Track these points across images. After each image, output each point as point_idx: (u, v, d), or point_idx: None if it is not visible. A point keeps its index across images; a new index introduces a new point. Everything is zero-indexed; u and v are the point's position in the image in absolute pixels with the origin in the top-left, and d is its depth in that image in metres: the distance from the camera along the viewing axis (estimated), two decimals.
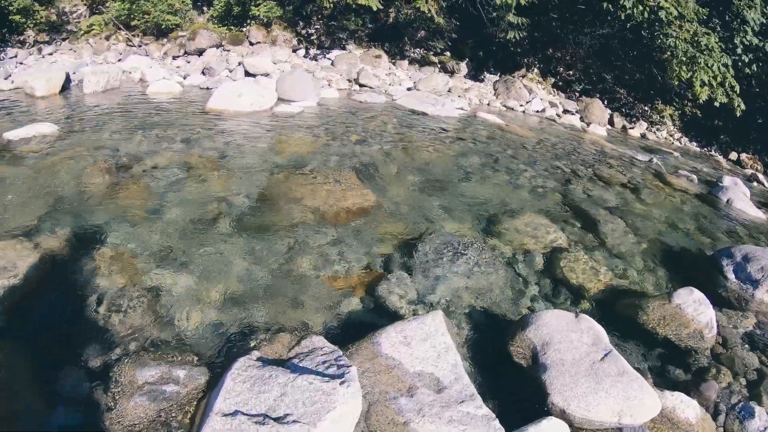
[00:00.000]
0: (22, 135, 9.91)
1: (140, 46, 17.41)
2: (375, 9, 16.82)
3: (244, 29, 18.11)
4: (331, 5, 16.99)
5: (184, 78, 15.48)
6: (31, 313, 5.67)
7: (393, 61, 18.52)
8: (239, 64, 16.47)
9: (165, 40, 17.67)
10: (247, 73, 16.09)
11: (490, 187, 10.20)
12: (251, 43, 18.26)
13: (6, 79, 14.10)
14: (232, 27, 18.10)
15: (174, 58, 17.20)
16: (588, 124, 16.60)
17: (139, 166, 9.12)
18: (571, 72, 18.77)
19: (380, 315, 6.11)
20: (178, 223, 7.51)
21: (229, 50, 17.61)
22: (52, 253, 6.53)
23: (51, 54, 15.96)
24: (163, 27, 17.54)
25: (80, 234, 7.11)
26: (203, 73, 16.17)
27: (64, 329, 5.56)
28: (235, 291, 6.29)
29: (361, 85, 16.72)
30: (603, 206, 10.03)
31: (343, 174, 9.60)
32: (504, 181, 10.68)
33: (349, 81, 16.83)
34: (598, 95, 18.56)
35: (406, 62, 18.40)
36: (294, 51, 18.44)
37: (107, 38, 17.49)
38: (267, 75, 15.84)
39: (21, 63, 15.07)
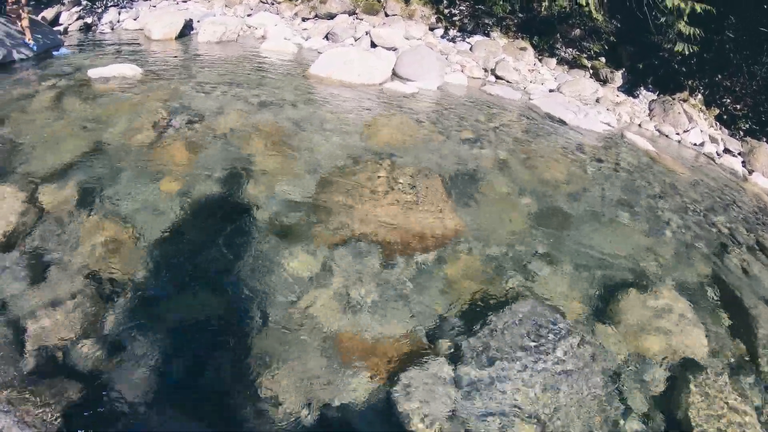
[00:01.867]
0: (104, 74, 10.00)
1: (272, 3, 17.01)
2: None
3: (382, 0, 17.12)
4: None
5: (305, 40, 14.76)
6: None
7: (539, 57, 16.59)
8: (366, 33, 15.47)
9: (298, 1, 17.09)
10: (373, 45, 15.04)
11: (621, 236, 7.55)
12: (386, 15, 17.24)
13: (135, 20, 14.13)
14: None
15: (303, 20, 16.62)
16: (750, 172, 13.23)
17: (199, 124, 8.52)
18: (738, 106, 15.82)
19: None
20: (197, 206, 6.71)
21: (362, 19, 16.73)
22: (39, 206, 6.30)
23: (185, 2, 15.92)
24: None
25: (86, 189, 6.73)
26: (326, 37, 15.44)
27: None
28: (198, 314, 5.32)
29: (497, 77, 14.83)
30: (765, 297, 6.95)
31: (429, 180, 7.77)
32: (642, 230, 7.88)
33: (485, 71, 15.17)
34: (766, 139, 15.33)
35: (554, 61, 16.40)
36: (431, 29, 17.19)
37: None
38: (394, 49, 14.64)
39: (154, 6, 15.10)
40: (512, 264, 6.38)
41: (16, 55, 10.91)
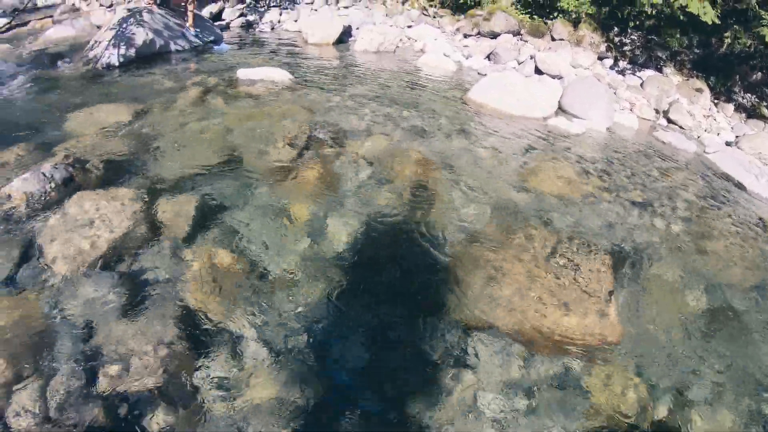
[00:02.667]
0: (252, 76, 9.76)
1: (434, 17, 16.22)
2: (710, 23, 13.12)
3: (549, 21, 15.80)
4: (653, 12, 13.80)
5: (466, 58, 13.81)
6: None
7: (716, 101, 14.56)
8: (531, 57, 14.24)
9: (461, 16, 16.22)
10: (538, 70, 13.76)
11: None
12: (553, 39, 15.92)
13: (295, 21, 13.85)
14: (535, 16, 15.92)
15: (465, 36, 15.69)
16: None
17: (342, 145, 7.80)
18: None
19: None
20: (325, 244, 5.95)
21: (526, 41, 15.52)
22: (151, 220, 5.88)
23: (346, 7, 15.49)
24: (461, 1, 16.05)
25: (207, 208, 6.24)
26: (488, 57, 14.37)
27: None
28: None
29: (669, 121, 12.92)
30: None
31: (591, 259, 6.19)
32: None
33: (656, 112, 13.32)
34: None
35: (731, 107, 14.23)
36: (600, 59, 15.62)
37: (403, 2, 16.57)
38: (560, 78, 13.31)
39: (315, 10, 14.76)
40: (669, 390, 4.94)
41: (173, 47, 11.04)
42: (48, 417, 4.02)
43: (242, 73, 9.72)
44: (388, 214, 6.38)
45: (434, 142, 8.22)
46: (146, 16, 10.96)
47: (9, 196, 5.89)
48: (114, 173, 6.66)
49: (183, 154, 7.11)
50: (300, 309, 5.02)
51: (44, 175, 6.12)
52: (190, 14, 11.31)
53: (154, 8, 11.29)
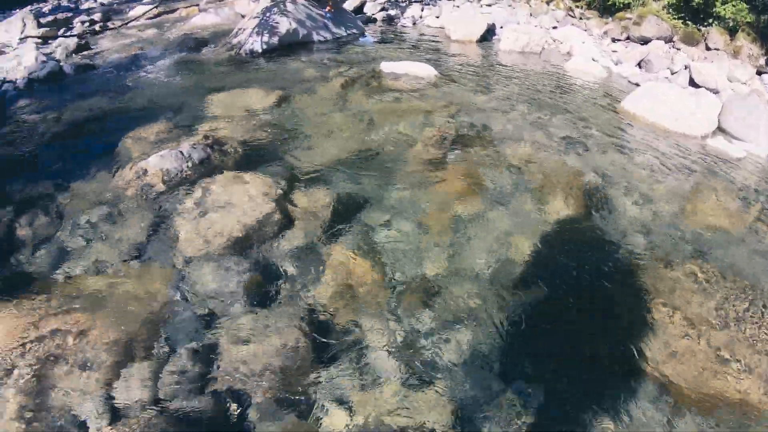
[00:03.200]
0: (396, 70, 9.30)
1: (580, 18, 15.13)
2: None
3: (703, 28, 14.29)
4: None
5: (615, 64, 12.71)
6: None
7: None
8: (685, 67, 12.86)
9: (609, 19, 15.03)
10: (692, 82, 12.36)
11: None
12: (707, 48, 14.37)
13: (437, 17, 13.37)
14: (688, 22, 14.43)
15: (613, 40, 14.50)
16: None
17: (489, 148, 7.06)
18: None
19: None
20: (465, 256, 5.25)
21: (679, 48, 14.08)
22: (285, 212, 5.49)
23: (489, 5, 14.75)
24: (609, 3, 14.85)
25: (344, 204, 5.79)
26: (639, 65, 13.14)
27: None
28: None
29: None
30: None
31: (759, 311, 4.92)
32: None
33: None
34: None
35: None
36: (758, 74, 13.89)
37: (548, 2, 15.59)
38: (715, 92, 11.84)
39: (457, 6, 14.21)
40: None
41: (315, 37, 10.85)
42: (156, 399, 3.77)
43: (386, 66, 9.32)
44: (536, 230, 5.57)
45: (587, 153, 7.29)
46: (290, 6, 10.90)
47: (145, 171, 5.70)
48: (252, 158, 6.40)
49: (323, 145, 6.76)
50: (435, 326, 4.40)
51: (182, 153, 5.87)
52: (329, 6, 11.02)
53: None
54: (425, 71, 9.26)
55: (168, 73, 9.22)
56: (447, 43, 12.12)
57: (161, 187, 5.63)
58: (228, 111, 7.44)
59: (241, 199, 5.39)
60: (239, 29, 10.71)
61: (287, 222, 5.38)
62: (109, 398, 3.72)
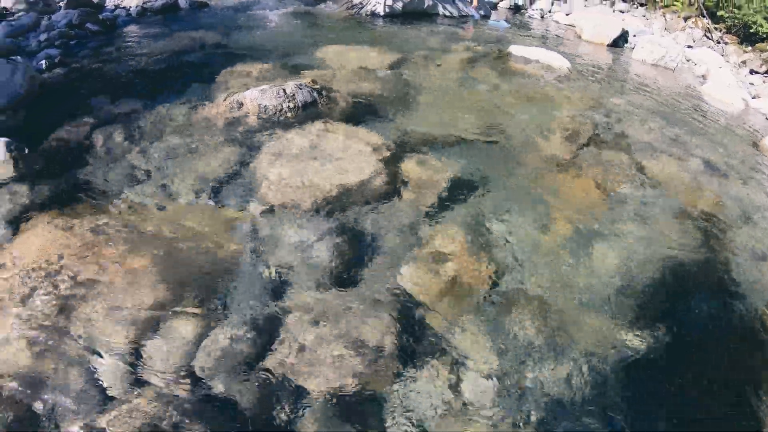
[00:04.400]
0: (527, 55, 8.16)
1: (718, 42, 13.26)
2: None
3: None
4: None
5: (752, 98, 10.89)
6: None
7: None
8: None
9: (749, 47, 13.08)
10: None
11: None
12: None
13: (567, 15, 11.94)
14: None
15: (752, 72, 12.57)
16: None
17: (623, 155, 5.73)
18: None
19: None
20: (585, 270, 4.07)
21: None
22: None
23: (622, 11, 13.17)
24: (751, 31, 12.93)
25: (456, 184, 4.68)
26: None
27: None
28: None
29: None
30: None
31: None
32: None
33: None
34: None
35: None
36: None
37: (685, 19, 13.84)
38: None
39: (586, 6, 12.71)
40: None
41: (441, 10, 10.17)
42: (190, 369, 2.88)
43: (515, 50, 8.21)
44: (670, 257, 4.27)
45: (727, 183, 5.80)
46: None
47: (240, 104, 4.73)
48: (362, 114, 5.43)
49: (441, 116, 5.72)
50: (545, 351, 3.32)
51: (284, 92, 4.86)
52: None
53: None
54: (558, 62, 8.08)
55: (282, 20, 8.46)
56: (577, 41, 10.82)
57: (254, 123, 4.73)
58: (340, 64, 6.56)
59: (346, 153, 4.34)
60: None
61: (393, 189, 4.39)
62: (135, 354, 2.91)
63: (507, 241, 4.07)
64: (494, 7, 11.65)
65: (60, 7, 7.95)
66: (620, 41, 11.43)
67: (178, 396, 2.70)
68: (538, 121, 5.99)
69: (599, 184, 5.01)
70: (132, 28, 7.68)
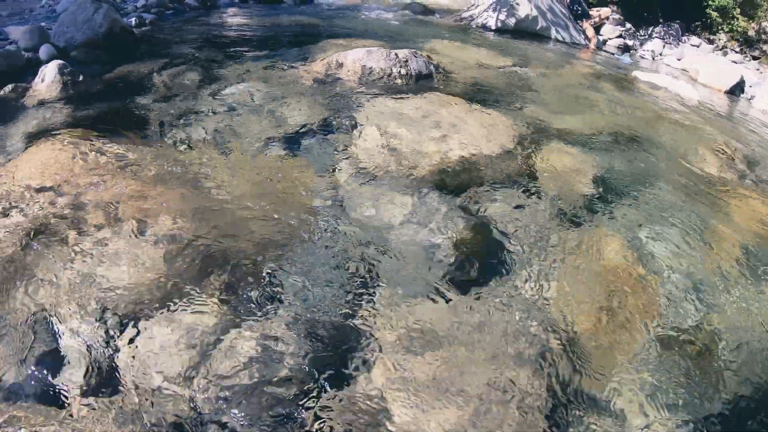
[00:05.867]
0: (651, 80, 7.33)
1: None
2: None
3: None
4: None
5: None
6: None
7: None
8: None
9: None
10: None
11: None
12: None
13: (678, 59, 10.62)
14: None
15: None
16: None
17: None
18: None
19: None
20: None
21: None
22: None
23: (734, 62, 11.67)
24: None
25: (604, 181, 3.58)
26: None
27: None
28: None
29: None
30: None
31: None
32: None
33: None
34: None
35: None
36: None
37: None
38: None
39: (695, 48, 11.38)
40: None
41: (554, 34, 9.02)
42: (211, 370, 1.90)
43: (641, 75, 7.36)
44: None
45: None
46: None
47: (340, 63, 3.75)
48: (483, 96, 4.34)
49: (572, 114, 4.58)
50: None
51: (396, 56, 3.71)
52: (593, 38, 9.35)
53: None
54: (688, 92, 7.15)
55: (390, 20, 7.57)
56: (692, 84, 9.40)
57: (354, 84, 3.66)
58: (454, 56, 5.57)
59: (467, 125, 3.16)
60: (472, 5, 8.84)
61: (528, 174, 3.15)
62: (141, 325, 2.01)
63: (670, 266, 2.82)
64: (602, 44, 10.48)
65: None
66: (737, 89, 10.01)
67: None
68: (681, 141, 4.74)
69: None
70: (232, 10, 6.98)
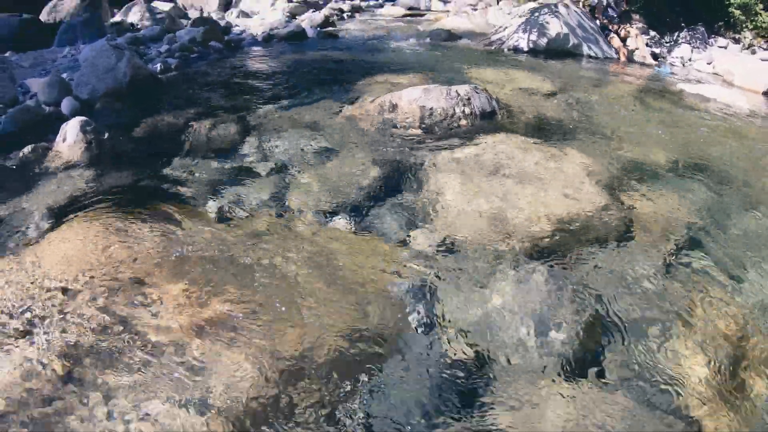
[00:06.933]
0: (700, 92, 6.82)
1: None
2: None
3: None
4: None
5: None
6: None
7: None
8: None
9: None
10: None
11: None
12: None
13: (708, 63, 10.07)
14: None
15: None
16: None
17: None
18: None
19: None
20: None
21: None
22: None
23: (763, 60, 11.03)
24: None
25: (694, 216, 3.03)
26: None
27: None
28: None
29: None
30: None
31: None
32: None
33: None
34: None
35: None
36: None
37: None
38: None
39: (723, 49, 10.88)
40: None
41: (585, 50, 8.25)
42: None
43: (687, 87, 6.84)
44: None
45: None
46: (562, 9, 8.40)
47: (394, 105, 3.22)
48: (548, 130, 3.86)
49: (641, 143, 4.02)
50: None
51: (457, 93, 3.23)
52: (622, 50, 8.64)
53: (570, 3, 8.35)
54: (738, 101, 6.63)
55: (419, 48, 7.16)
56: (729, 89, 8.77)
57: (415, 130, 3.08)
58: (499, 84, 5.15)
59: (548, 175, 2.59)
60: (499, 27, 8.47)
61: (623, 225, 2.68)
62: None
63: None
64: (632, 55, 9.92)
65: (185, 26, 6.88)
66: None
67: None
68: (757, 160, 4.08)
69: None
70: (257, 49, 6.61)
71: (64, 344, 1.81)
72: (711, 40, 12.31)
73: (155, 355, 1.77)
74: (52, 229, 2.49)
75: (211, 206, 2.67)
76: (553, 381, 1.82)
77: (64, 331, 1.87)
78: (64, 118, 3.63)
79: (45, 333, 1.86)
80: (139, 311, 1.93)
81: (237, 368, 1.73)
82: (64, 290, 2.06)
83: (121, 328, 1.87)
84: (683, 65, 10.25)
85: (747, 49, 12.01)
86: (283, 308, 2.00)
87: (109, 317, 1.92)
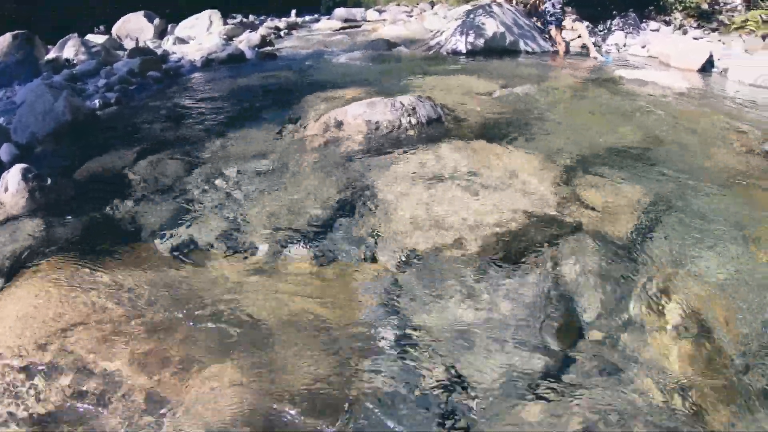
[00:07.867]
0: (637, 76, 7.18)
1: None
2: None
3: None
4: None
5: None
6: None
7: None
8: None
9: None
10: None
11: None
12: None
13: (642, 47, 10.56)
14: None
15: None
16: None
17: None
18: None
19: None
20: None
21: None
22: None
23: (695, 39, 11.61)
24: None
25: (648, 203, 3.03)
26: None
27: None
28: None
29: None
30: None
31: None
32: None
33: None
34: None
35: None
36: None
37: (763, 38, 12.15)
38: None
39: (655, 32, 11.47)
40: None
41: (522, 46, 8.48)
42: None
43: (625, 73, 7.10)
44: None
45: None
46: (496, 9, 8.68)
47: (339, 122, 3.18)
48: (495, 132, 3.85)
49: (587, 133, 4.12)
50: None
51: (402, 104, 3.23)
52: (561, 46, 8.86)
53: (504, 2, 8.62)
54: (677, 82, 6.91)
55: (359, 61, 7.21)
56: (667, 70, 9.19)
57: (362, 145, 3.07)
58: (443, 89, 5.21)
59: (501, 173, 2.69)
60: (437, 32, 8.66)
61: (579, 217, 2.73)
62: None
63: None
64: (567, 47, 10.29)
65: (122, 57, 6.79)
66: (708, 66, 9.80)
67: None
68: (702, 135, 4.33)
69: None
70: (197, 75, 6.56)
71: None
72: (643, 25, 12.86)
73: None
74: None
75: (164, 247, 2.58)
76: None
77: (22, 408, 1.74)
78: (4, 166, 3.47)
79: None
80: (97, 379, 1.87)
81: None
82: (18, 364, 1.88)
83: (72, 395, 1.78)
84: (618, 51, 10.66)
85: (679, 29, 12.59)
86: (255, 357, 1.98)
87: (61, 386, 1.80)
